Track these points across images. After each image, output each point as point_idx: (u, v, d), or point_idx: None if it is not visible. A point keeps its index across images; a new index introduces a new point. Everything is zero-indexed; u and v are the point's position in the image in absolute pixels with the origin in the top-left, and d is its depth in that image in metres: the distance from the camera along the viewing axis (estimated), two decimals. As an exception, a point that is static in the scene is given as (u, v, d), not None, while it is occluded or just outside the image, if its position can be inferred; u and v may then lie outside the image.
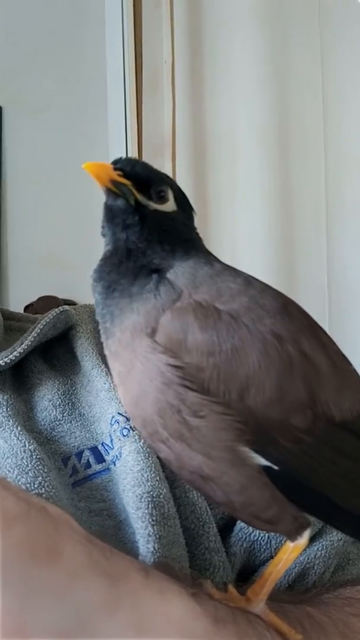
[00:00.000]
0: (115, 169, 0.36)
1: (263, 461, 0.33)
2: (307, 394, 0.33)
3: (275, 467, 0.33)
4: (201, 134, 1.51)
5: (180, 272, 0.35)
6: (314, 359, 0.34)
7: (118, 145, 1.54)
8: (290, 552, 0.36)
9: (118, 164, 0.36)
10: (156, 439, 0.34)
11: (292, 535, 0.36)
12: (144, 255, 0.36)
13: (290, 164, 1.47)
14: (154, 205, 0.36)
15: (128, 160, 0.37)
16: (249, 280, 0.36)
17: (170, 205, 0.37)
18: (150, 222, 0.36)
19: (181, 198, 0.38)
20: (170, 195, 0.37)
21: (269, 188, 1.46)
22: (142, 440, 0.46)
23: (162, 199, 0.37)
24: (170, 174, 1.57)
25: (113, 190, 0.36)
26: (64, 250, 1.54)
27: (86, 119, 1.59)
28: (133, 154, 1.53)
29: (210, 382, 0.32)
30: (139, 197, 0.36)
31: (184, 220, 0.38)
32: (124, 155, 0.38)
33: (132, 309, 0.35)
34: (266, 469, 0.33)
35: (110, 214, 0.37)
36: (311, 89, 1.48)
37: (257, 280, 0.37)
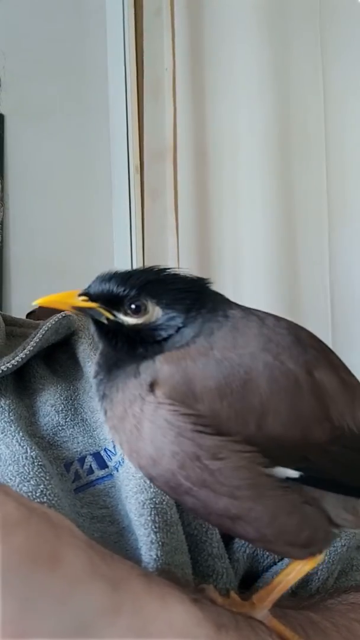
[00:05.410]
0: (80, 294, 0.36)
1: (296, 473, 0.33)
2: (320, 408, 0.34)
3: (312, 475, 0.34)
4: (202, 140, 1.51)
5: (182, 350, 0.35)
6: (324, 382, 0.34)
7: (120, 152, 1.55)
8: (304, 564, 0.36)
9: (91, 286, 0.36)
10: (181, 492, 0.34)
11: None
12: (128, 355, 0.36)
13: (291, 168, 1.48)
14: (129, 321, 0.36)
15: (99, 279, 0.36)
16: (262, 320, 0.36)
17: (151, 316, 0.36)
18: (127, 337, 0.36)
19: (168, 297, 0.36)
20: (150, 306, 0.36)
21: (270, 193, 1.46)
22: None
23: (139, 312, 0.36)
24: (171, 181, 1.56)
25: (79, 314, 0.36)
26: (66, 258, 1.55)
27: (88, 126, 1.59)
28: (134, 160, 1.53)
29: (228, 422, 0.33)
30: (110, 316, 0.36)
31: (171, 319, 0.36)
32: (103, 272, 0.37)
33: (118, 388, 0.35)
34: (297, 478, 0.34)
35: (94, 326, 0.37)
36: (312, 94, 1.48)
37: (268, 316, 0.37)
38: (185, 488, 0.33)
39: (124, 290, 0.36)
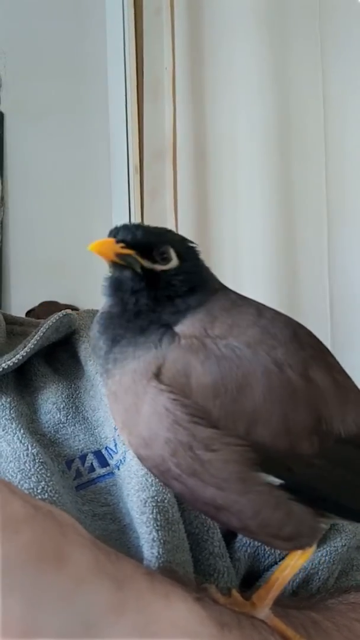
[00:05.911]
0: (117, 241, 0.36)
1: (278, 481, 0.34)
2: (312, 419, 0.34)
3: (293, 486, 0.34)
4: (202, 140, 1.51)
5: (188, 323, 0.36)
6: (317, 382, 0.35)
7: (119, 152, 1.55)
8: (298, 558, 0.36)
9: (118, 235, 0.36)
10: (169, 477, 0.34)
11: None
12: (153, 312, 0.36)
13: (291, 168, 1.48)
14: (159, 267, 0.37)
15: (126, 228, 0.37)
16: (260, 311, 0.37)
17: (174, 262, 0.37)
18: (158, 284, 0.36)
19: (183, 248, 0.38)
20: (172, 253, 0.37)
21: (270, 193, 1.46)
22: None
23: (166, 260, 0.37)
24: (170, 180, 1.56)
25: (119, 263, 0.36)
26: (66, 256, 1.55)
27: (88, 125, 1.59)
28: (134, 160, 1.53)
29: (217, 422, 0.33)
30: (145, 263, 0.36)
31: (190, 270, 0.38)
32: (121, 223, 0.37)
33: (134, 356, 0.35)
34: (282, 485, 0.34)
35: (117, 284, 0.37)
36: (312, 94, 1.48)
37: (268, 309, 0.38)
38: (174, 474, 0.34)
39: (153, 238, 0.37)
